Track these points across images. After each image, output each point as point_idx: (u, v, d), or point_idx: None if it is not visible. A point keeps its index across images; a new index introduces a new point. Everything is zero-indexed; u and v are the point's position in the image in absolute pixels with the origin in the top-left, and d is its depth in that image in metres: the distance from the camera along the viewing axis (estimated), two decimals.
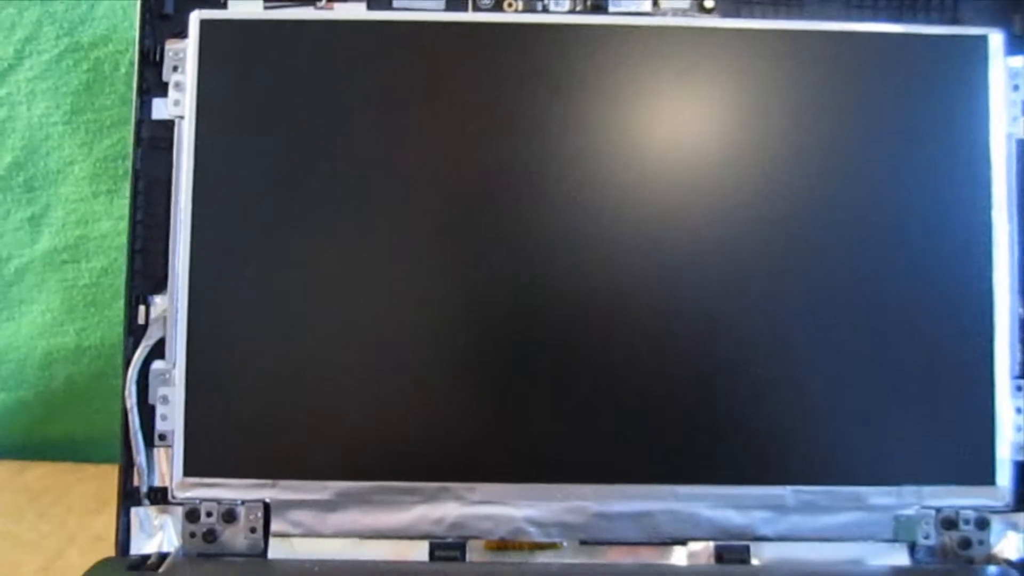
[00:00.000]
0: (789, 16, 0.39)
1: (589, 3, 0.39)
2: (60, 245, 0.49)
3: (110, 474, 0.44)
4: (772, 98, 0.38)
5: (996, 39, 0.39)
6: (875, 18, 0.39)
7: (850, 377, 0.38)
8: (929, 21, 0.39)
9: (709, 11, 0.39)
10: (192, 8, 0.38)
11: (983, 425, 0.38)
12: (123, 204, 0.48)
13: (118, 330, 0.48)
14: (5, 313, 0.50)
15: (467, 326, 0.38)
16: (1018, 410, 0.38)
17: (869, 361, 0.38)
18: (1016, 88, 0.39)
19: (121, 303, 0.47)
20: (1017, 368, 0.38)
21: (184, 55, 0.38)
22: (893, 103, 0.38)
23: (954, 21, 0.39)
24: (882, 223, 0.38)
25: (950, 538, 0.38)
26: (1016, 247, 0.38)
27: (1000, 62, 0.38)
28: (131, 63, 0.45)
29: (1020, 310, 0.38)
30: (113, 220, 0.49)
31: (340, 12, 0.39)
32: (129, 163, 0.39)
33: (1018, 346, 0.38)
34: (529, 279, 0.38)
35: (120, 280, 0.48)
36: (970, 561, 0.38)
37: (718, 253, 0.38)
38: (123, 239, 0.48)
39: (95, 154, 0.48)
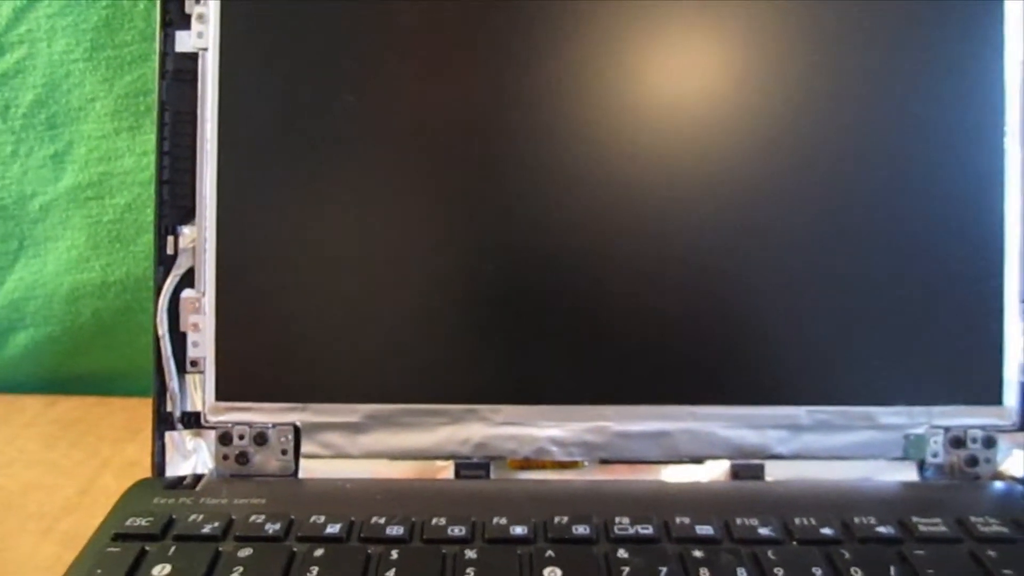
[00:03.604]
0: None
1: None
2: (84, 182, 0.49)
3: (138, 406, 0.45)
4: (786, 26, 0.38)
5: None
6: None
7: (864, 300, 0.38)
8: None
9: None
10: None
11: (991, 347, 0.38)
12: (145, 140, 0.49)
13: (143, 265, 0.50)
14: (31, 250, 0.50)
15: (490, 253, 0.38)
16: None
17: (882, 285, 0.38)
18: None
19: (146, 238, 0.48)
20: None
21: None
22: (908, 29, 0.38)
23: None
24: (896, 147, 0.38)
25: (958, 456, 0.39)
26: None
27: None
28: None
29: None
30: (136, 156, 0.49)
31: None
32: (153, 98, 0.39)
33: None
34: (548, 208, 0.38)
35: (144, 215, 0.49)
36: (976, 478, 0.38)
37: (731, 174, 0.38)
38: (146, 175, 0.49)
39: (116, 90, 0.48)
